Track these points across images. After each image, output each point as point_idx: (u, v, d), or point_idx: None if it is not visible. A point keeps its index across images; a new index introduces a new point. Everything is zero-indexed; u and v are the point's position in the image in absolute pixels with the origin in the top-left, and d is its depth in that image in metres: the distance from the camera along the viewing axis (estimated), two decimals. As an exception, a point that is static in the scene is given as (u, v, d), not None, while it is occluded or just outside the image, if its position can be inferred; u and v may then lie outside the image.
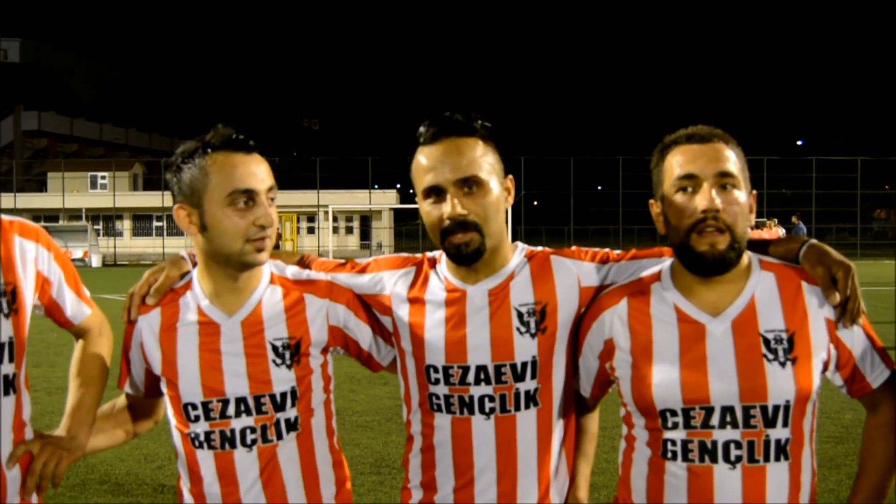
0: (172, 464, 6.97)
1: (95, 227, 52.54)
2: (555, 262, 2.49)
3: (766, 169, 48.22)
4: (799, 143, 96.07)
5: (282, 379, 2.43)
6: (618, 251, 2.55)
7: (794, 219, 32.40)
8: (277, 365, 2.42)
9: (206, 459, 2.43)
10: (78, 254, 41.69)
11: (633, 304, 2.33)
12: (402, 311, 2.50)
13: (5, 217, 2.41)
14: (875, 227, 67.89)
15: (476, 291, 2.43)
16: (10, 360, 2.31)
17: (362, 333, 2.57)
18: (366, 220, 60.14)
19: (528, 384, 2.40)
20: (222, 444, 2.41)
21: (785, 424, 2.18)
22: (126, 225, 59.56)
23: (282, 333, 2.44)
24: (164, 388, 2.50)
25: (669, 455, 2.23)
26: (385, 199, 58.35)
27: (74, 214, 56.44)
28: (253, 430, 2.40)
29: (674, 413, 2.22)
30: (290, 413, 2.43)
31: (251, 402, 2.41)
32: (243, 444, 2.40)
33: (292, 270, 2.56)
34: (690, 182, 2.20)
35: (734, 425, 2.18)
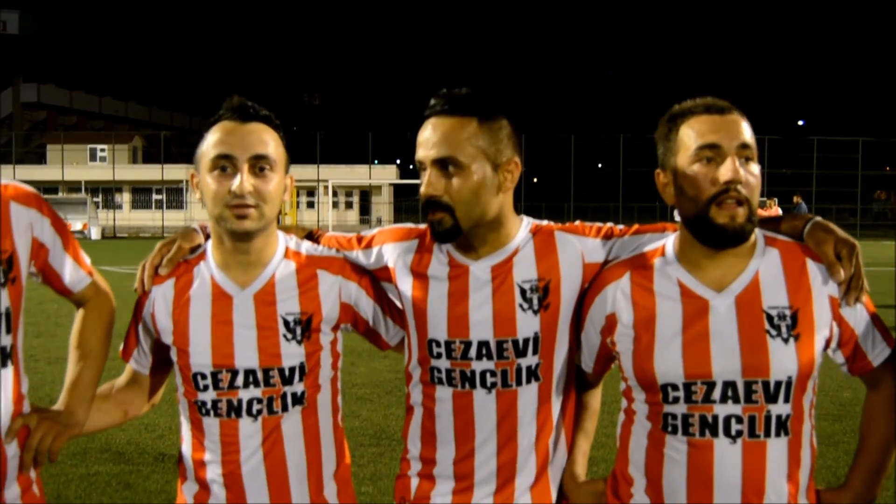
0: (173, 433, 7.02)
1: (95, 199, 52.43)
2: (559, 237, 2.48)
3: (767, 148, 48.08)
4: (800, 122, 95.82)
5: (291, 353, 2.43)
6: (621, 226, 2.54)
7: (795, 199, 32.43)
8: (288, 340, 2.43)
9: (211, 426, 2.44)
10: (77, 226, 41.75)
11: (636, 279, 2.32)
12: (406, 284, 2.50)
13: (0, 181, 2.35)
14: (875, 207, 67.82)
15: (479, 267, 2.43)
16: (8, 331, 2.27)
17: (372, 312, 2.58)
18: (365, 195, 60.08)
19: (530, 360, 2.40)
20: (228, 412, 2.42)
21: (786, 400, 2.18)
22: (125, 198, 59.54)
23: (294, 308, 2.45)
24: (174, 357, 2.50)
25: (670, 429, 2.24)
26: (385, 175, 58.28)
27: (74, 187, 56.41)
28: (259, 402, 2.41)
29: (675, 388, 2.22)
30: (298, 387, 2.44)
31: (260, 375, 2.41)
32: (249, 413, 2.41)
33: (307, 246, 2.56)
34: (713, 152, 2.17)
35: (735, 400, 2.18)
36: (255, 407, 2.41)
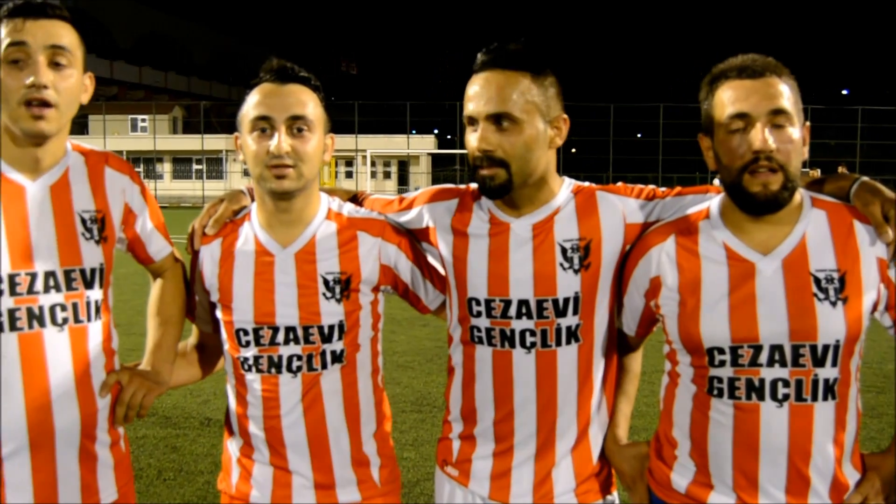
0: (218, 398, 7.15)
1: (136, 169, 52.70)
2: (600, 198, 2.47)
3: (811, 118, 47.08)
4: (844, 92, 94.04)
5: (331, 312, 2.47)
6: (663, 188, 2.53)
7: (840, 169, 31.89)
8: (327, 298, 2.46)
9: (253, 382, 2.49)
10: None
11: (681, 242, 2.32)
12: (446, 243, 2.51)
13: (97, 149, 2.50)
14: (921, 178, 66.59)
15: (520, 225, 2.43)
16: (100, 286, 2.38)
17: (410, 275, 2.60)
18: (403, 165, 60.00)
19: (570, 320, 2.40)
20: (269, 368, 2.47)
21: (834, 364, 2.17)
22: (166, 168, 59.93)
23: (333, 268, 2.48)
24: (219, 315, 2.55)
25: (715, 392, 2.24)
26: (423, 144, 58.11)
27: (116, 157, 56.85)
28: (299, 358, 2.46)
29: (721, 351, 2.22)
30: (337, 346, 2.48)
31: (300, 332, 2.46)
32: (289, 370, 2.46)
33: (349, 208, 2.59)
34: (742, 121, 2.15)
35: (782, 364, 2.17)
36: (295, 363, 2.46)
